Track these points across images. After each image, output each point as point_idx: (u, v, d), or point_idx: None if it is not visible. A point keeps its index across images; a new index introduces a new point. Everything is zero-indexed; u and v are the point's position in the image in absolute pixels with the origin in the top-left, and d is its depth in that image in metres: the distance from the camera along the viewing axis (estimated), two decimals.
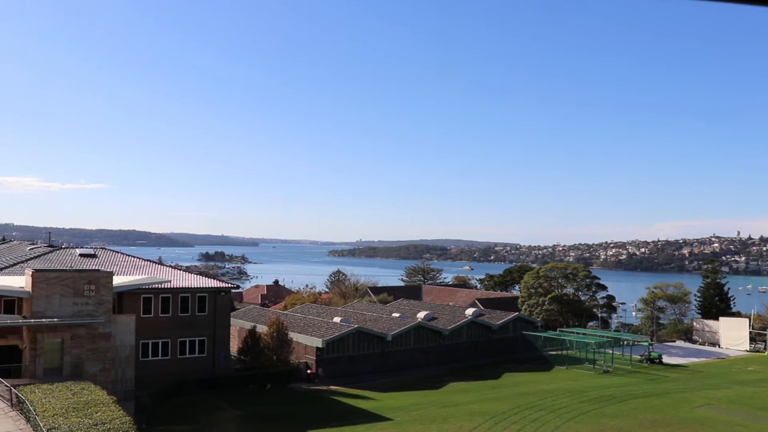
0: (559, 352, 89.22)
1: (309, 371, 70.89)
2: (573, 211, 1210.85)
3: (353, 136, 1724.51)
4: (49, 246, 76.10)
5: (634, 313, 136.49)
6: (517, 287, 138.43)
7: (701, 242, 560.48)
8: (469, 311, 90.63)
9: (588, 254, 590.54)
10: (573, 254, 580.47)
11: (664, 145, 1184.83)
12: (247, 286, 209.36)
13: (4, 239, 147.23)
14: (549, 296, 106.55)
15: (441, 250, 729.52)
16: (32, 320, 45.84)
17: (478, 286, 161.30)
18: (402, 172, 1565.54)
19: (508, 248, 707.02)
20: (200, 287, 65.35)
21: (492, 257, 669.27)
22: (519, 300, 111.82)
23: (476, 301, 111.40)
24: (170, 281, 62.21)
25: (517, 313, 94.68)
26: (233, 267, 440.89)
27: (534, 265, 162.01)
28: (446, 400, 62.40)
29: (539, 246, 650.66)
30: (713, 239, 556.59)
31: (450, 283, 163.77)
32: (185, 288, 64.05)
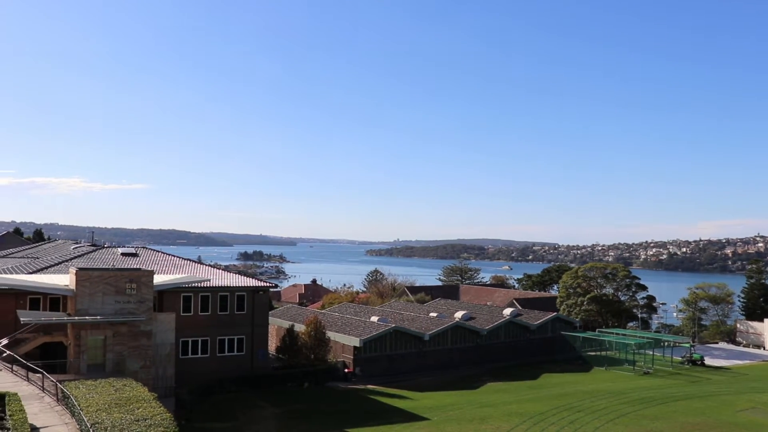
0: (598, 353, 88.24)
1: (346, 370, 71.11)
2: (612, 210, 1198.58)
3: (392, 136, 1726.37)
4: (92, 245, 77.44)
5: (675, 314, 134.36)
6: (555, 287, 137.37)
7: (745, 242, 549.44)
8: (507, 311, 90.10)
9: (628, 254, 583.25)
10: (612, 254, 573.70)
11: (707, 144, 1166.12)
12: (285, 285, 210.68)
13: (49, 238, 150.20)
14: (588, 296, 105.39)
15: (479, 250, 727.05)
16: (76, 317, 46.72)
17: (516, 285, 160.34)
18: (440, 171, 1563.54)
19: (547, 248, 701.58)
20: (239, 286, 65.92)
21: (530, 257, 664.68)
22: (557, 300, 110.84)
23: (514, 301, 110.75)
24: (209, 280, 62.87)
25: (555, 314, 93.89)
26: (271, 266, 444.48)
27: (572, 265, 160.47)
28: (483, 400, 62.13)
29: (578, 246, 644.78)
30: (758, 239, 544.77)
31: (488, 282, 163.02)
32: (224, 287, 64.65)
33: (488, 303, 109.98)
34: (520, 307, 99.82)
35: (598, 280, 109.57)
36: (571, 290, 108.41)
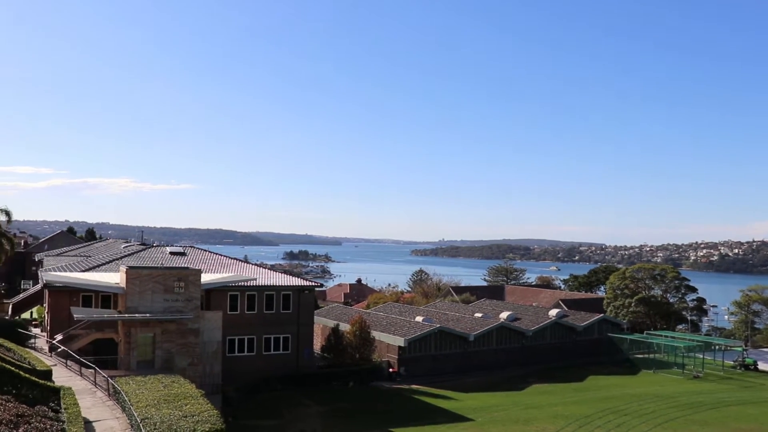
0: (646, 356, 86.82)
1: (391, 370, 71.21)
2: (661, 210, 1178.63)
3: (438, 136, 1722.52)
4: (142, 244, 78.86)
5: (726, 317, 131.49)
6: (602, 288, 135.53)
7: None
8: (553, 312, 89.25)
9: (677, 255, 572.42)
10: (661, 255, 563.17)
11: (758, 142, 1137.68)
12: (330, 284, 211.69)
13: (100, 237, 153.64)
14: (636, 298, 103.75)
15: (524, 250, 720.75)
16: (126, 315, 47.66)
17: (562, 286, 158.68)
18: (487, 171, 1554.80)
19: (593, 248, 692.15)
20: (285, 285, 66.46)
21: (576, 257, 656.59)
22: (604, 301, 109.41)
23: (560, 302, 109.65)
24: (256, 279, 63.52)
25: (602, 315, 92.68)
26: (317, 266, 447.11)
27: (620, 266, 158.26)
28: (529, 401, 61.66)
29: (625, 246, 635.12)
30: None
31: (533, 283, 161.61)
32: (270, 286, 65.25)
33: (534, 304, 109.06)
34: (566, 308, 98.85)
35: (647, 282, 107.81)
36: (619, 291, 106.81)
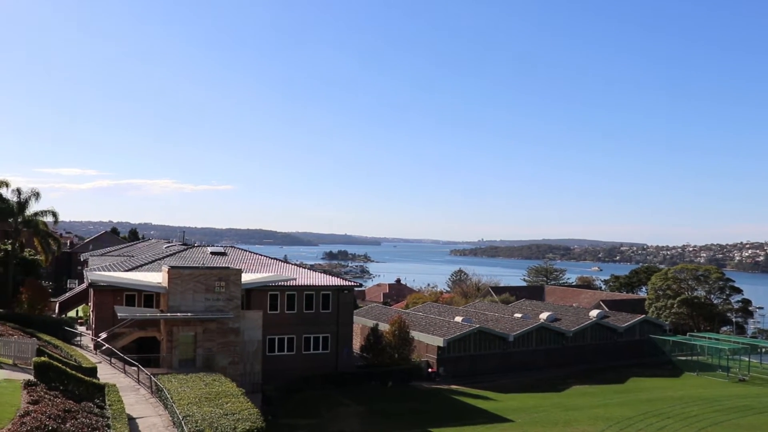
0: (689, 358, 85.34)
1: (430, 370, 71.14)
2: (704, 209, 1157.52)
3: (476, 135, 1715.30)
4: (183, 244, 79.91)
5: None
6: (643, 289, 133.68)
7: None
8: (593, 313, 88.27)
9: (721, 255, 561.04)
10: (704, 255, 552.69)
11: None
12: (369, 284, 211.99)
13: (143, 237, 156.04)
14: (678, 299, 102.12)
15: (564, 250, 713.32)
16: (168, 314, 48.36)
17: (603, 287, 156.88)
18: (526, 170, 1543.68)
19: (635, 248, 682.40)
20: (324, 285, 66.76)
21: (617, 257, 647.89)
22: (646, 302, 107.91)
23: (601, 303, 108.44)
24: (295, 279, 63.91)
25: (643, 316, 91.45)
26: (356, 265, 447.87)
27: (662, 266, 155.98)
28: (569, 403, 61.06)
29: (667, 246, 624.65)
30: None
31: (573, 283, 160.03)
32: (310, 286, 65.59)
33: (574, 304, 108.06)
34: (607, 309, 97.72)
35: (689, 282, 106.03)
36: (661, 292, 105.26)
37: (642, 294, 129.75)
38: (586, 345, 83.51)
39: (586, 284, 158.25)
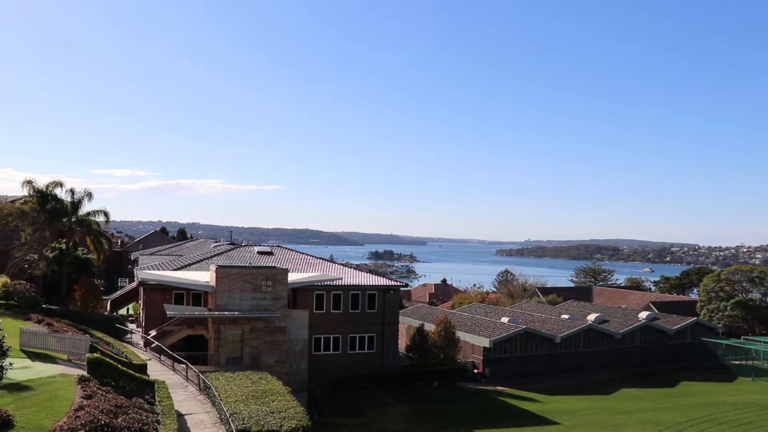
0: (743, 362, 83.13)
1: (475, 370, 70.80)
2: (759, 210, 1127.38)
3: (525, 136, 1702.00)
4: (231, 244, 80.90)
5: None
6: (695, 290, 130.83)
7: None
8: (643, 314, 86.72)
9: None
10: (760, 256, 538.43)
11: None
12: (415, 284, 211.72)
13: (191, 237, 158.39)
14: (732, 301, 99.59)
15: (613, 251, 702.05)
16: (216, 312, 49.01)
17: (652, 288, 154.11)
18: (574, 170, 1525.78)
19: (686, 249, 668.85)
20: (370, 285, 66.90)
21: (668, 258, 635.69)
22: (697, 304, 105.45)
23: (650, 304, 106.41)
24: (341, 279, 64.16)
25: (695, 318, 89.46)
26: (402, 265, 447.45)
27: (714, 268, 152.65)
28: (617, 406, 60.07)
29: (720, 247, 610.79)
30: None
31: (622, 284, 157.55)
32: (356, 285, 65.79)
33: (622, 306, 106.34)
34: (657, 311, 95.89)
35: (744, 284, 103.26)
36: (713, 294, 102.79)
37: (693, 296, 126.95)
38: (635, 347, 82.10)
39: (635, 285, 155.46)
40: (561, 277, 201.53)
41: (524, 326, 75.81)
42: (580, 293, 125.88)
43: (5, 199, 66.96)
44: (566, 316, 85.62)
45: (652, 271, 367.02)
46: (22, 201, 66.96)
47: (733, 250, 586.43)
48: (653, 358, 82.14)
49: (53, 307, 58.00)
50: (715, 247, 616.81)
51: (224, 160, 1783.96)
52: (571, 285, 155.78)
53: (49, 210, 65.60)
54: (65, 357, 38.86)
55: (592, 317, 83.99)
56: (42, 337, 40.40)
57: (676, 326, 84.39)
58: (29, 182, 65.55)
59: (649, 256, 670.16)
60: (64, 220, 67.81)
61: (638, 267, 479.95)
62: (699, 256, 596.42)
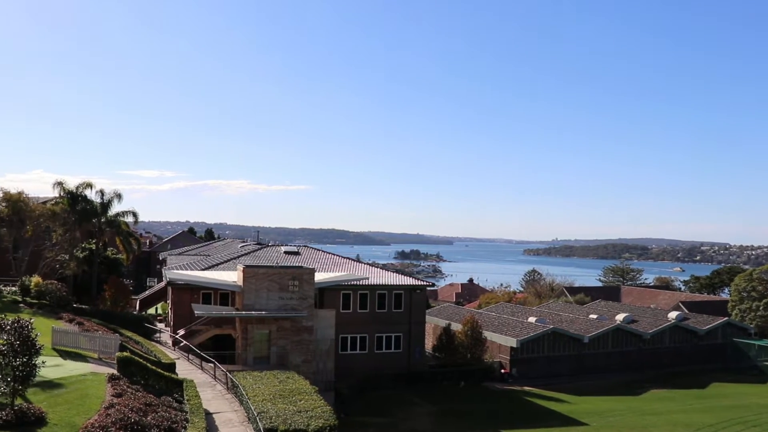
0: None
1: (503, 371, 70.50)
2: None
3: (549, 133, 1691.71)
4: (258, 243, 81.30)
5: None
6: (726, 290, 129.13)
7: None
8: (672, 314, 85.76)
9: None
10: None
11: None
12: (441, 284, 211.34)
13: (219, 237, 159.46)
14: (764, 301, 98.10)
15: (641, 250, 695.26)
16: (243, 312, 49.33)
17: (682, 288, 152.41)
18: (601, 168, 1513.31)
19: (716, 248, 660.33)
20: (396, 284, 66.93)
21: (698, 257, 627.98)
22: (729, 304, 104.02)
23: (680, 304, 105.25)
24: (368, 278, 64.18)
25: (726, 318, 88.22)
26: (428, 265, 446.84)
27: (746, 267, 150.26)
28: (646, 407, 59.47)
29: (752, 246, 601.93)
30: None
31: (651, 284, 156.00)
32: (382, 285, 65.84)
33: (651, 305, 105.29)
34: (687, 311, 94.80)
35: None
36: (745, 294, 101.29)
37: (724, 296, 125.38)
38: (665, 348, 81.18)
39: (665, 285, 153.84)
40: (589, 276, 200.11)
41: (552, 326, 75.34)
42: (609, 293, 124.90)
43: (37, 201, 67.84)
44: (594, 316, 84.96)
45: (683, 271, 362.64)
46: (53, 202, 67.89)
47: (765, 249, 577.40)
48: (683, 358, 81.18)
49: (84, 306, 58.75)
50: (747, 246, 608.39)
51: (251, 161, 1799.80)
52: (599, 284, 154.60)
53: (80, 211, 66.48)
54: (96, 355, 39.37)
55: (620, 317, 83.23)
56: (73, 336, 40.95)
57: (707, 326, 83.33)
58: (60, 183, 66.51)
59: (679, 255, 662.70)
60: (93, 220, 68.68)
61: (668, 266, 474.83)
62: (730, 255, 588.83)
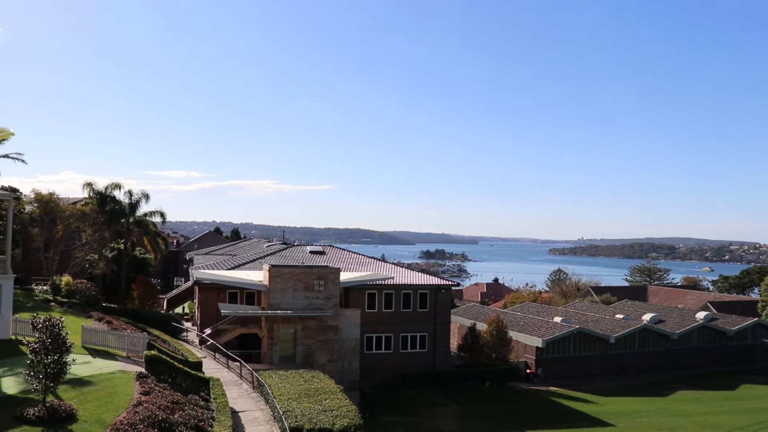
0: None
1: (528, 371, 70.25)
2: None
3: (574, 132, 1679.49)
4: (283, 243, 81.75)
5: None
6: (756, 290, 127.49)
7: None
8: (700, 315, 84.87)
9: None
10: None
11: None
12: (466, 283, 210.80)
13: (245, 237, 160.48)
14: None
15: (668, 249, 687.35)
16: (269, 311, 49.65)
17: (710, 288, 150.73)
18: (628, 167, 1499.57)
19: (746, 247, 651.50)
20: (421, 284, 66.97)
21: (726, 257, 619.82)
22: (759, 304, 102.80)
23: (708, 304, 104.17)
24: (393, 278, 64.29)
25: (756, 319, 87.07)
26: (453, 265, 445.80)
27: None
28: (673, 408, 58.89)
29: None
30: None
31: (678, 284, 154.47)
32: (407, 285, 65.91)
33: (679, 306, 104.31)
34: (715, 311, 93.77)
35: None
36: None
37: (754, 296, 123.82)
38: (693, 348, 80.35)
39: (692, 285, 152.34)
40: (615, 276, 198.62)
41: (577, 326, 74.95)
42: (635, 293, 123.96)
43: (67, 201, 68.84)
44: (620, 316, 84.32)
45: (712, 270, 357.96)
46: (82, 203, 68.82)
47: None
48: (711, 359, 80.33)
49: (112, 305, 59.50)
50: None
51: (277, 161, 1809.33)
52: (626, 284, 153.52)
53: (108, 211, 67.34)
54: (124, 354, 39.87)
55: (647, 317, 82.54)
56: (102, 334, 41.51)
57: (736, 327, 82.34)
58: (89, 184, 67.44)
59: (707, 254, 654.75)
60: (122, 220, 69.51)
61: (695, 266, 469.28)
62: (760, 254, 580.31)
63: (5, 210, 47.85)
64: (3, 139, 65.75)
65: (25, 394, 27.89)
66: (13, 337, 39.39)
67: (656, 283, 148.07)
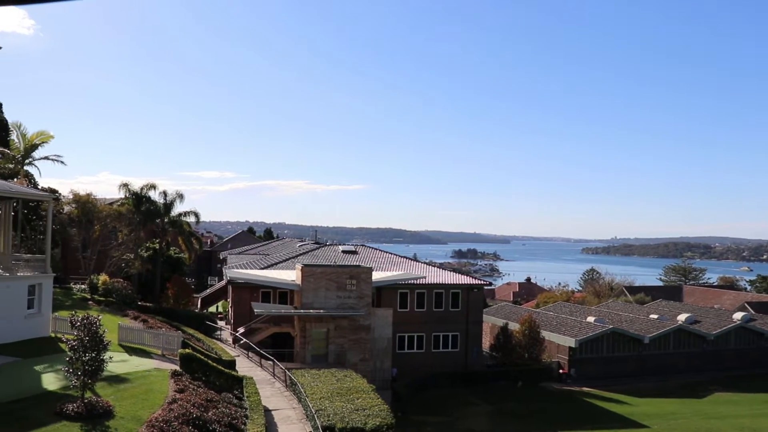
0: None
1: (561, 371, 69.83)
2: None
3: (608, 131, 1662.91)
4: (316, 243, 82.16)
5: None
6: None
7: None
8: (738, 315, 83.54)
9: None
10: None
11: None
12: (498, 283, 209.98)
13: (277, 236, 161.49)
14: None
15: (704, 249, 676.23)
16: (302, 310, 50.04)
17: (748, 288, 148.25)
18: (661, 166, 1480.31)
19: None
20: (453, 283, 66.89)
21: (764, 256, 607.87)
22: None
23: (746, 305, 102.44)
24: (425, 277, 64.33)
25: None
26: (485, 264, 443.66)
27: None
28: (710, 411, 58.06)
29: None
30: None
31: (714, 284, 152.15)
32: (439, 284, 65.86)
33: (715, 306, 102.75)
34: (753, 312, 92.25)
35: None
36: None
37: None
38: (730, 349, 79.14)
39: (729, 285, 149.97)
40: (649, 275, 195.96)
41: (611, 326, 74.28)
42: (670, 293, 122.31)
43: (104, 202, 69.95)
44: (655, 316, 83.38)
45: (751, 270, 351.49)
46: (119, 203, 69.84)
47: None
48: (749, 361, 79.01)
49: (148, 304, 60.35)
50: None
51: (309, 161, 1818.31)
52: (660, 284, 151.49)
53: (144, 211, 68.22)
54: (159, 352, 40.47)
55: (682, 317, 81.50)
56: (138, 332, 42.20)
57: None
58: (125, 185, 68.39)
59: (744, 254, 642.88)
60: (157, 221, 70.34)
61: (732, 266, 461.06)
62: None
63: (45, 211, 48.84)
64: (43, 142, 66.99)
65: (64, 391, 28.51)
66: (53, 335, 40.27)
67: (691, 282, 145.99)
